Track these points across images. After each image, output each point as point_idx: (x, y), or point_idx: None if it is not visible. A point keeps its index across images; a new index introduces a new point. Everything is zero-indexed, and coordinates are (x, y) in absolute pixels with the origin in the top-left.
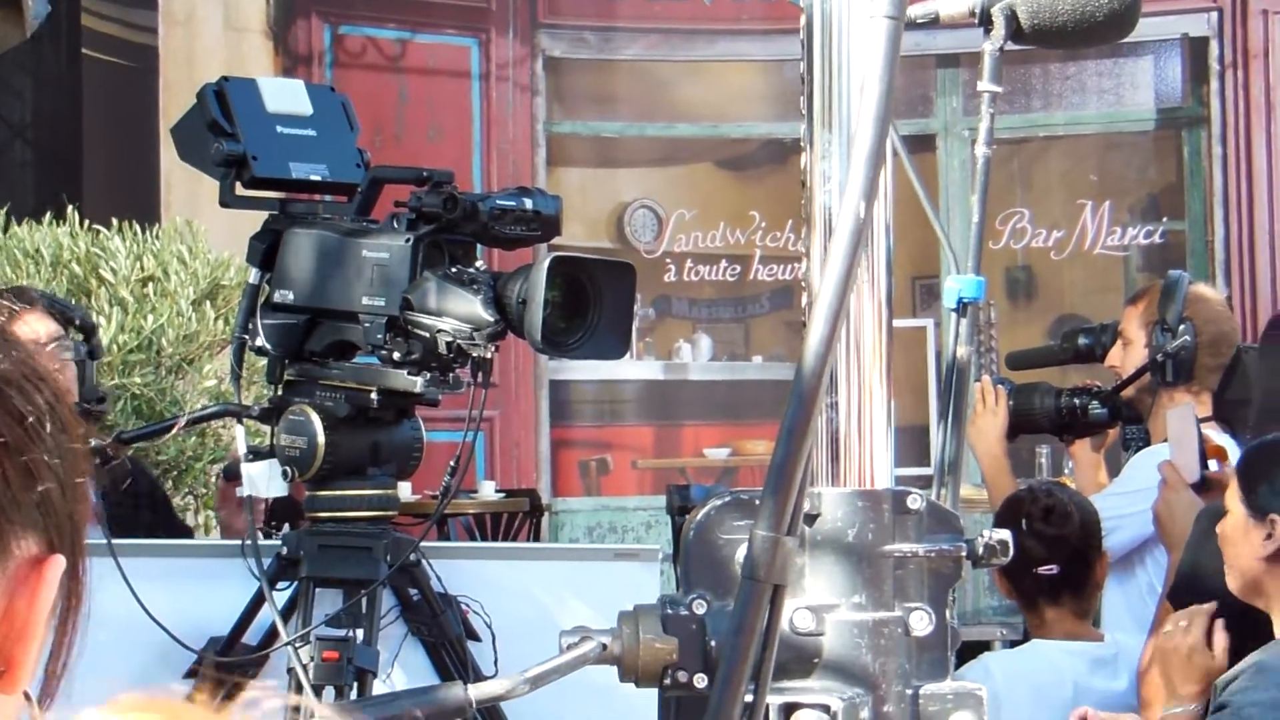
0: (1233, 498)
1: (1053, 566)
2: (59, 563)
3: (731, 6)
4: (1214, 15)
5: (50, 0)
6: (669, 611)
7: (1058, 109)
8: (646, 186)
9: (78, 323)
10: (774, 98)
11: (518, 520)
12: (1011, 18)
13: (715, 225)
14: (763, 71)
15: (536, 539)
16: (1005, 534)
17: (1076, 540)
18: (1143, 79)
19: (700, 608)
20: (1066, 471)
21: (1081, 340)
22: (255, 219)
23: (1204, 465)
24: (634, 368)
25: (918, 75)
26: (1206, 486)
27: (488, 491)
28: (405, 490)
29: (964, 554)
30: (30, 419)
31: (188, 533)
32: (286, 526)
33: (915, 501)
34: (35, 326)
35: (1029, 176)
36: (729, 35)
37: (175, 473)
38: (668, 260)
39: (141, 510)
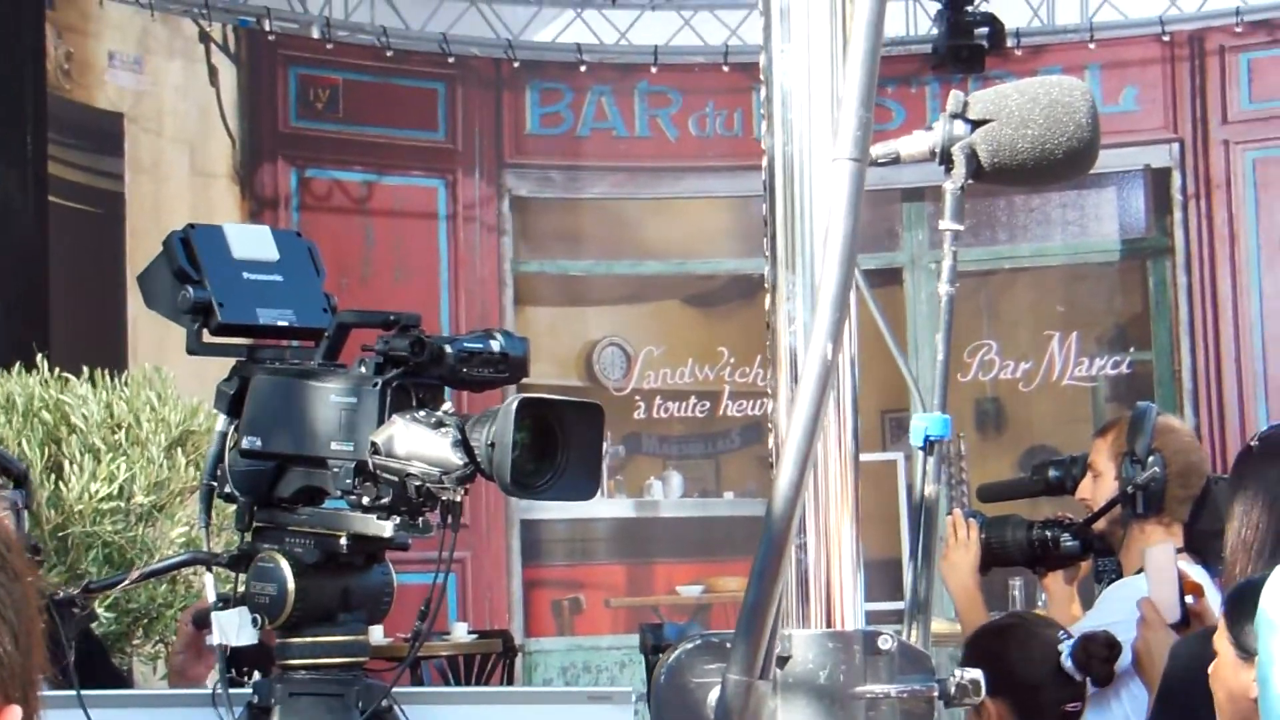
0: (1221, 640)
1: (1079, 704)
2: (14, 715)
3: (696, 144)
4: (1175, 146)
5: (17, 149)
6: None
7: (1023, 241)
8: (614, 324)
9: (13, 472)
10: (741, 234)
11: (491, 661)
12: (972, 156)
13: (684, 362)
14: (729, 208)
15: (510, 680)
16: (977, 673)
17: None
18: (1107, 210)
19: None
20: (1040, 604)
21: (1051, 473)
22: (223, 365)
23: (1181, 602)
24: (605, 506)
25: (883, 209)
26: (1184, 623)
27: (460, 633)
28: (377, 633)
29: (936, 694)
30: None
31: (122, 677)
32: (257, 674)
33: (886, 642)
34: None
35: (996, 308)
36: (695, 172)
37: (146, 620)
38: (637, 397)
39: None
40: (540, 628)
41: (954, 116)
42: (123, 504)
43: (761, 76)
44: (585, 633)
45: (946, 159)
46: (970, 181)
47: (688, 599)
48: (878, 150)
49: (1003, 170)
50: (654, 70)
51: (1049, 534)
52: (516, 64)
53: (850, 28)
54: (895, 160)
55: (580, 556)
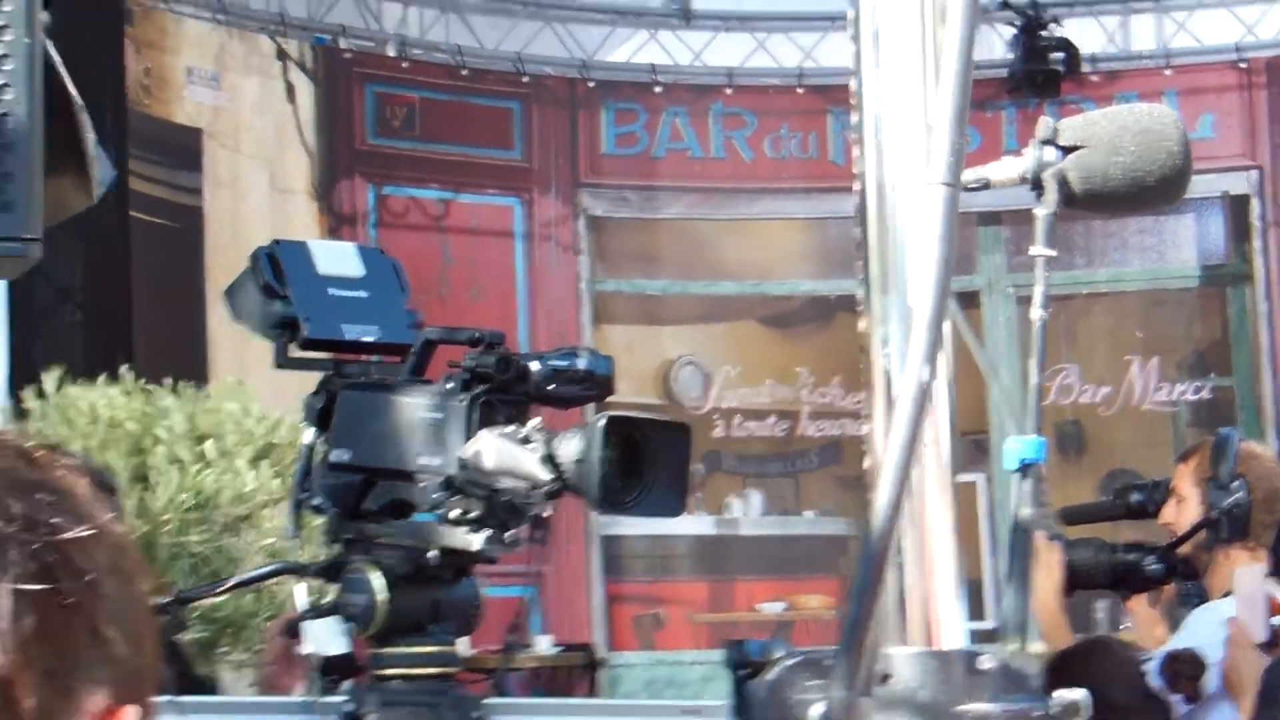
0: None
1: None
2: (130, 715)
3: (772, 165)
4: (1254, 174)
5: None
6: None
7: (1101, 266)
8: (691, 344)
9: (101, 484)
10: (817, 255)
11: (574, 674)
12: (1063, 183)
13: (761, 381)
14: (805, 229)
15: (593, 693)
16: (1080, 694)
17: None
18: (1185, 236)
19: None
20: (1124, 626)
21: (1134, 496)
22: (302, 378)
23: (1268, 623)
24: (686, 523)
25: (960, 233)
26: (1272, 643)
27: (544, 646)
28: (462, 645)
29: (1038, 715)
30: (93, 577)
31: (208, 685)
32: (348, 683)
33: (987, 662)
34: None
35: (1074, 333)
36: (770, 194)
37: (233, 629)
38: (715, 416)
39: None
40: (623, 642)
41: (1045, 143)
42: (208, 514)
43: (852, 101)
44: (667, 647)
45: (1038, 185)
46: (1061, 208)
47: (769, 616)
48: (967, 176)
49: (1094, 197)
50: (729, 91)
51: (1132, 557)
52: (591, 84)
53: (942, 53)
54: (985, 186)
55: (661, 573)
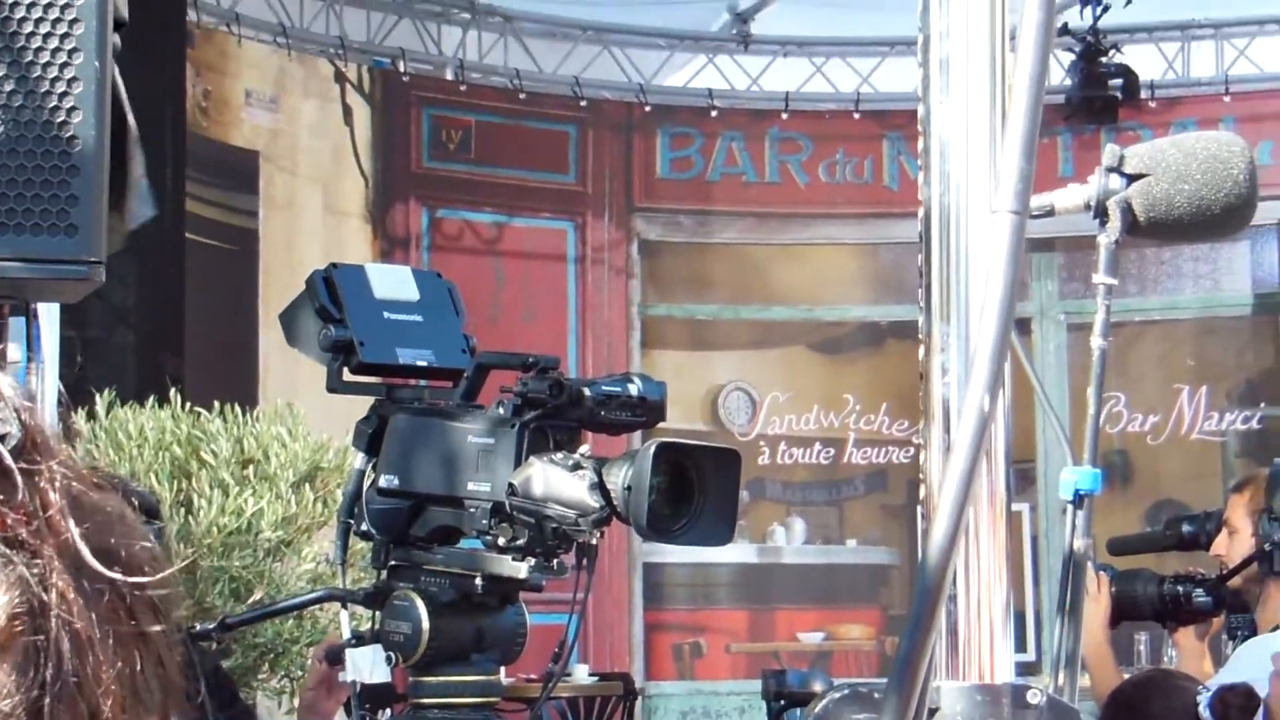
0: None
1: None
2: None
3: (826, 190)
4: None
5: (157, 197)
6: None
7: (1153, 294)
8: (740, 369)
9: (144, 506)
10: (869, 281)
11: (610, 704)
12: (1127, 210)
13: (809, 408)
14: (857, 255)
15: None
16: None
17: None
18: (1239, 264)
19: None
20: (1166, 660)
21: (1185, 527)
22: (352, 402)
23: None
24: (727, 551)
25: None
26: None
27: (581, 675)
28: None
29: None
30: (165, 610)
31: (250, 715)
32: (388, 712)
33: (1035, 696)
34: None
35: (1125, 361)
36: (823, 219)
37: (272, 655)
38: (761, 443)
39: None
40: (660, 671)
41: (1110, 170)
42: (251, 538)
43: (919, 127)
44: (705, 677)
45: (1101, 213)
46: (1124, 236)
47: (809, 646)
48: (1032, 203)
49: (1158, 225)
50: (785, 116)
51: (1181, 589)
52: (648, 108)
53: (1011, 80)
54: (1050, 213)
55: (702, 601)
